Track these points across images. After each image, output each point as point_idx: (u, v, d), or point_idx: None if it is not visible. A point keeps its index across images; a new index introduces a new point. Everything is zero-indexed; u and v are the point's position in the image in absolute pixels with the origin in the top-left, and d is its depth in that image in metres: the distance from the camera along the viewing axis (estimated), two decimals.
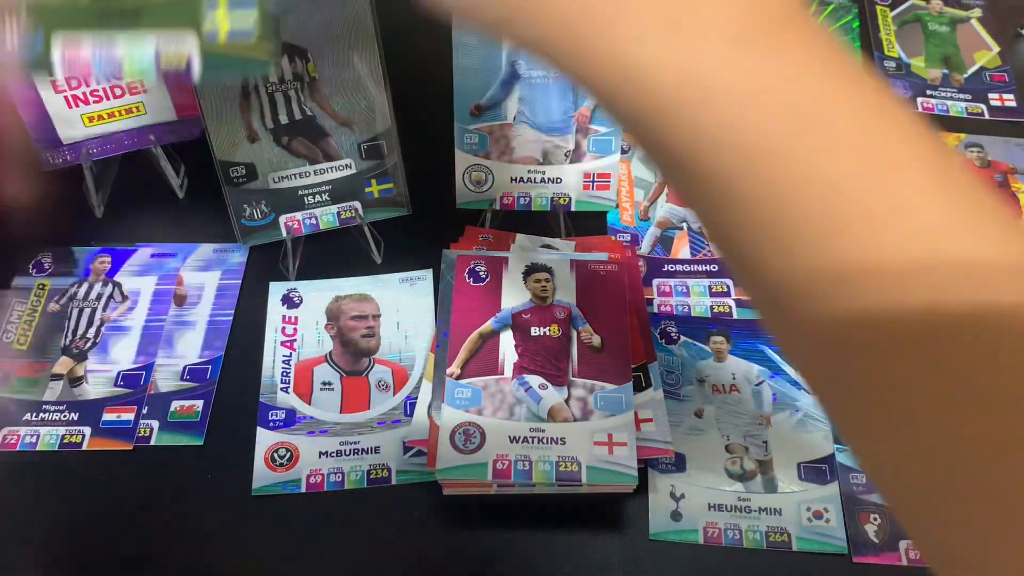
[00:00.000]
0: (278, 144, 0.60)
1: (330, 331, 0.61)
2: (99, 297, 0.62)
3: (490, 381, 0.53)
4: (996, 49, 0.81)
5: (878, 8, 0.84)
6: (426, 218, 0.65)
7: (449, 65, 0.60)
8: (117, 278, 0.64)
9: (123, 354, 0.59)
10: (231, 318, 0.62)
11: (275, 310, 0.62)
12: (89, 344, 0.60)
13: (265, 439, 0.55)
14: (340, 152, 0.61)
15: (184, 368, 0.59)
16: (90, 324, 0.61)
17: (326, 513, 0.53)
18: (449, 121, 0.62)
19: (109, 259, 0.65)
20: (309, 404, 0.57)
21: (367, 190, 0.63)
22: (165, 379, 0.58)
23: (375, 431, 0.56)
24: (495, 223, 0.65)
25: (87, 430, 0.56)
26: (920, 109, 0.76)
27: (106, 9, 0.24)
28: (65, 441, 0.55)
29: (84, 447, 0.55)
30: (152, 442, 0.56)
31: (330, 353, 0.59)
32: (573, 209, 0.65)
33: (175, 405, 0.57)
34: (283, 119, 0.60)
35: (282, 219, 0.62)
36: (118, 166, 0.69)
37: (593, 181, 0.64)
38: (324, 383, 0.58)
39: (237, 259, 0.65)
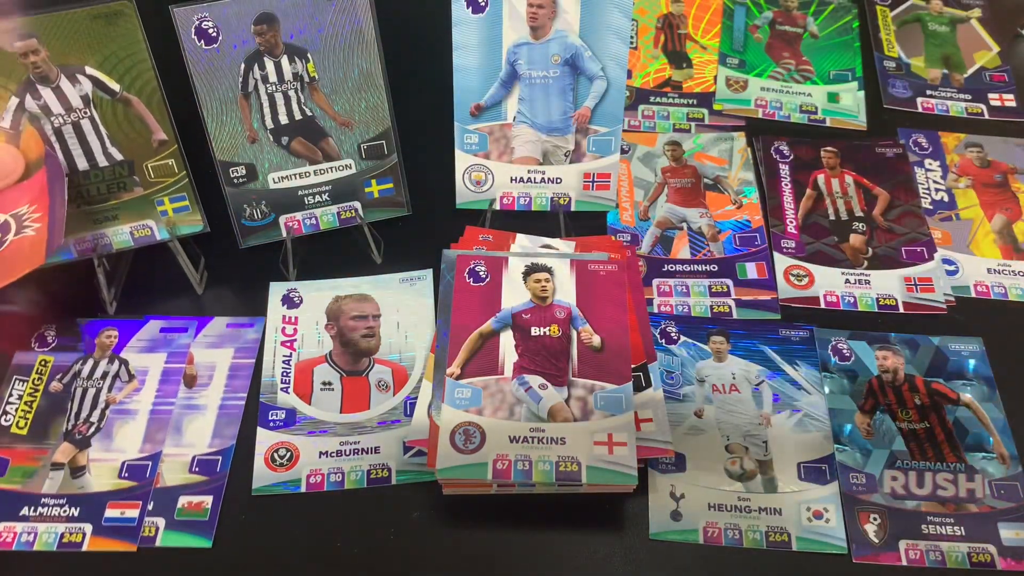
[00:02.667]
0: (278, 144, 0.60)
1: (330, 331, 0.61)
2: (104, 375, 0.58)
3: (490, 381, 0.53)
4: (996, 49, 0.81)
5: (878, 8, 0.84)
6: (426, 218, 0.66)
7: (449, 65, 0.61)
8: (124, 354, 0.59)
9: (128, 441, 0.56)
10: (243, 402, 0.57)
11: (275, 310, 0.62)
12: (93, 429, 0.56)
13: (265, 439, 0.55)
14: (340, 152, 0.62)
15: (193, 459, 0.55)
16: (94, 406, 0.57)
17: (326, 513, 0.53)
18: (449, 121, 0.63)
19: (116, 333, 0.60)
20: (309, 404, 0.57)
21: (367, 190, 0.63)
22: (172, 471, 0.54)
23: (375, 431, 0.56)
24: (494, 223, 0.65)
25: (88, 527, 0.52)
26: (920, 109, 0.76)
27: None
28: (64, 540, 0.52)
29: (84, 547, 0.51)
30: (157, 543, 0.52)
31: (330, 353, 0.60)
32: (573, 209, 0.65)
33: (183, 501, 0.53)
34: (283, 119, 0.60)
35: (282, 219, 0.63)
36: (131, 262, 0.64)
37: (593, 181, 0.64)
38: (324, 383, 0.58)
39: (252, 335, 0.60)
